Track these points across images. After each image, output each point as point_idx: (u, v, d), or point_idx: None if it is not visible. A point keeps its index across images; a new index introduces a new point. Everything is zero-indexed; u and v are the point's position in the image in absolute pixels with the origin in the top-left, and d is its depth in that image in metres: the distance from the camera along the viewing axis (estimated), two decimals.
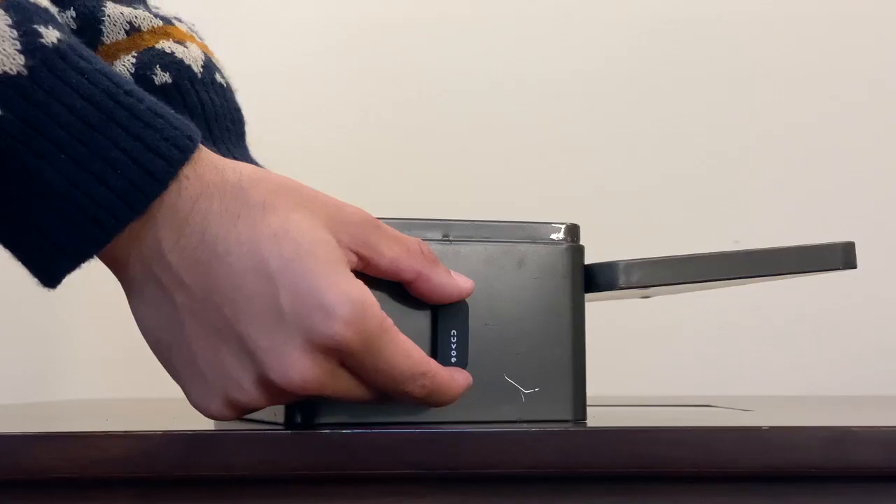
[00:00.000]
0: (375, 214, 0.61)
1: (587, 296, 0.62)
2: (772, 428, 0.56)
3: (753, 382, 1.27)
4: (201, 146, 0.53)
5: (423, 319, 0.58)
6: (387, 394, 0.55)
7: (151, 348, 0.55)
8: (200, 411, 0.55)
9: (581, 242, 0.62)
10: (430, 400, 0.55)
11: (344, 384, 0.53)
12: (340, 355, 0.52)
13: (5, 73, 0.49)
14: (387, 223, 0.59)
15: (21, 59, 0.50)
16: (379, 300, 0.54)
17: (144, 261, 0.53)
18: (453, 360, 0.58)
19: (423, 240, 0.58)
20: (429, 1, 1.32)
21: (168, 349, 0.54)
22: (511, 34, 1.32)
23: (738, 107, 1.32)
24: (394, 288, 0.57)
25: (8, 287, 1.25)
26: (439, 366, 0.55)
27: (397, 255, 0.54)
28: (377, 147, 1.29)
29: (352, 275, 0.52)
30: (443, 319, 0.58)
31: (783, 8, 1.33)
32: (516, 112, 1.31)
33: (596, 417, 0.63)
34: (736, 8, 1.33)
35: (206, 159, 0.53)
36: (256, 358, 0.51)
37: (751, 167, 1.32)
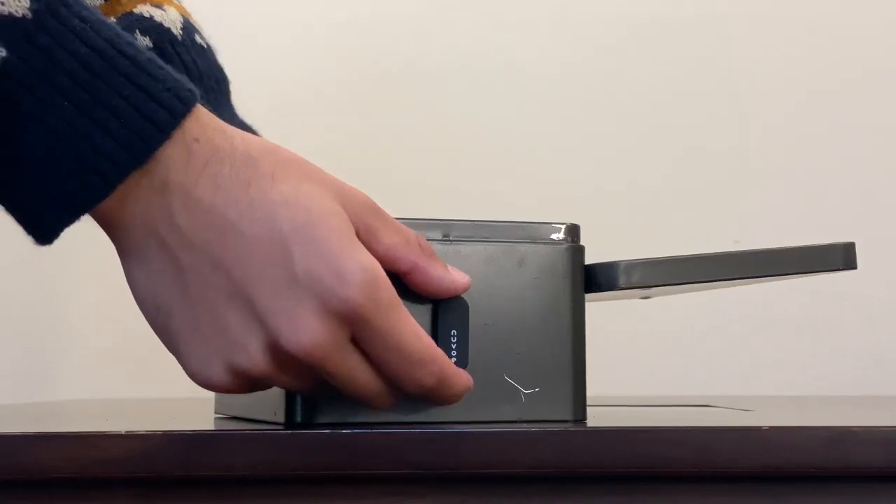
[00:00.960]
0: None
1: (587, 296, 0.62)
2: (772, 428, 0.56)
3: (753, 382, 1.27)
4: (208, 111, 0.53)
5: (423, 319, 0.58)
6: (392, 382, 0.54)
7: (148, 315, 0.54)
8: (199, 380, 0.53)
9: (581, 242, 0.62)
10: (438, 391, 0.55)
11: (352, 362, 0.52)
12: (353, 324, 0.51)
13: (10, 14, 0.49)
14: None
15: (26, 2, 0.49)
16: None
17: (150, 223, 0.52)
18: (453, 360, 0.58)
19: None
20: (432, 1, 1.32)
21: (167, 314, 0.53)
22: (511, 33, 1.32)
23: (739, 107, 1.32)
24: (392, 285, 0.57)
25: (8, 287, 1.25)
26: (446, 356, 0.55)
27: (395, 243, 0.54)
28: (377, 147, 1.29)
29: (363, 246, 0.52)
30: (443, 319, 0.58)
31: (785, 8, 1.33)
32: (517, 112, 1.31)
33: (596, 417, 0.63)
34: (738, 8, 1.33)
35: (216, 126, 0.52)
36: (266, 322, 0.51)
37: (751, 167, 1.32)
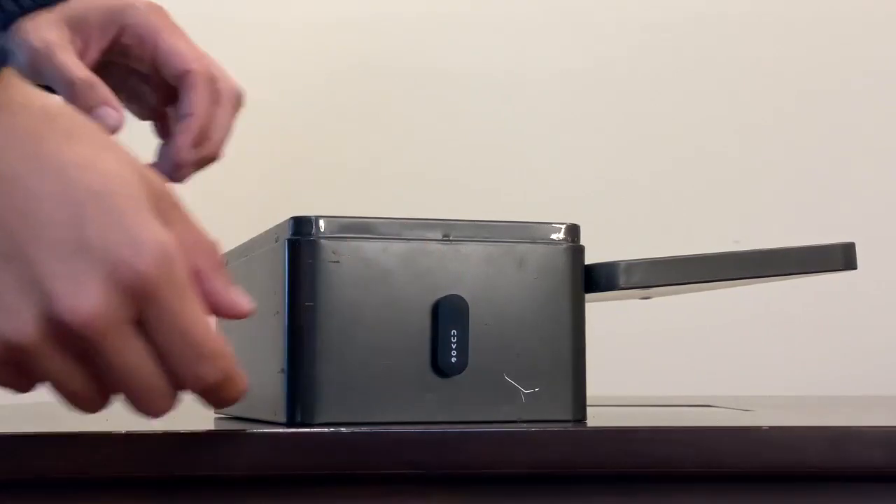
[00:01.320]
0: (376, 214, 0.61)
1: (587, 296, 0.62)
2: (772, 428, 0.56)
3: (753, 382, 1.27)
4: (13, 72, 0.49)
5: (423, 319, 0.58)
6: (172, 376, 0.48)
7: None
8: None
9: (581, 243, 0.62)
10: (220, 391, 0.49)
11: (133, 345, 0.47)
12: (141, 300, 0.46)
13: None
14: (387, 223, 0.59)
15: None
16: (376, 297, 0.55)
17: None
18: (454, 359, 0.58)
19: (424, 240, 0.59)
20: (432, 1, 1.32)
21: None
22: (512, 32, 1.32)
23: (740, 107, 1.32)
24: (392, 285, 0.58)
25: None
26: (233, 354, 0.50)
27: (186, 241, 0.49)
28: (378, 147, 1.29)
29: (159, 222, 0.48)
30: (443, 319, 0.58)
31: (785, 8, 1.33)
32: (518, 112, 1.31)
33: (596, 417, 0.63)
34: (738, 8, 1.33)
35: (15, 81, 0.48)
36: (44, 286, 0.45)
37: (751, 167, 1.32)
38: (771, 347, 1.29)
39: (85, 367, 0.47)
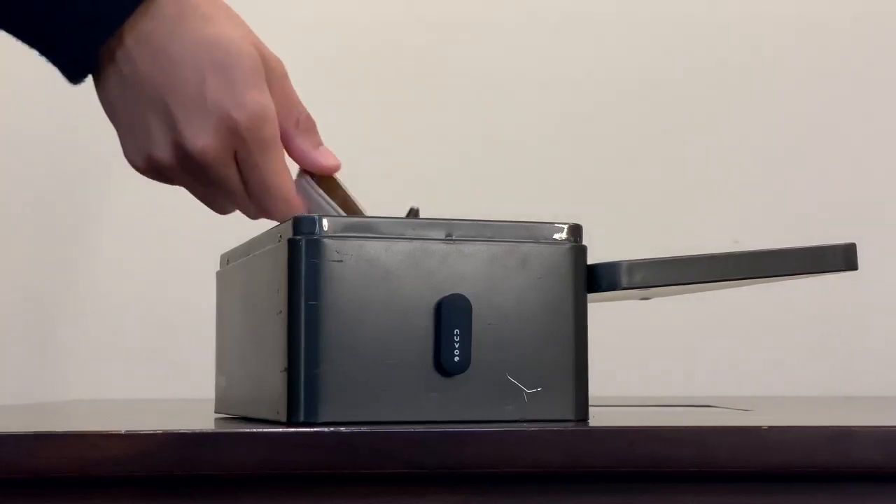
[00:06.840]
0: (378, 213, 0.61)
1: (589, 296, 0.62)
2: (772, 428, 0.56)
3: (753, 382, 1.27)
4: None
5: (425, 318, 0.58)
6: (253, 202, 0.66)
7: (109, 117, 0.67)
8: (129, 163, 0.67)
9: (583, 243, 0.62)
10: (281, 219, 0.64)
11: (230, 171, 0.65)
12: (236, 143, 0.64)
13: None
14: (390, 222, 0.59)
15: None
16: (379, 296, 0.55)
17: (111, 51, 0.64)
18: (456, 359, 0.58)
19: (427, 239, 0.59)
20: (433, 1, 1.32)
21: (116, 115, 0.66)
22: (515, 33, 1.32)
23: (740, 107, 1.32)
24: (395, 284, 0.58)
25: (8, 287, 1.25)
26: (298, 203, 0.66)
27: (283, 107, 0.66)
28: (379, 146, 1.29)
29: (266, 89, 0.64)
30: (446, 318, 0.58)
31: (785, 9, 1.33)
32: (520, 112, 1.31)
33: (597, 417, 0.63)
34: (738, 8, 1.33)
35: None
36: (176, 126, 0.64)
37: (751, 167, 1.32)
38: (771, 347, 1.29)
39: (201, 181, 0.66)
